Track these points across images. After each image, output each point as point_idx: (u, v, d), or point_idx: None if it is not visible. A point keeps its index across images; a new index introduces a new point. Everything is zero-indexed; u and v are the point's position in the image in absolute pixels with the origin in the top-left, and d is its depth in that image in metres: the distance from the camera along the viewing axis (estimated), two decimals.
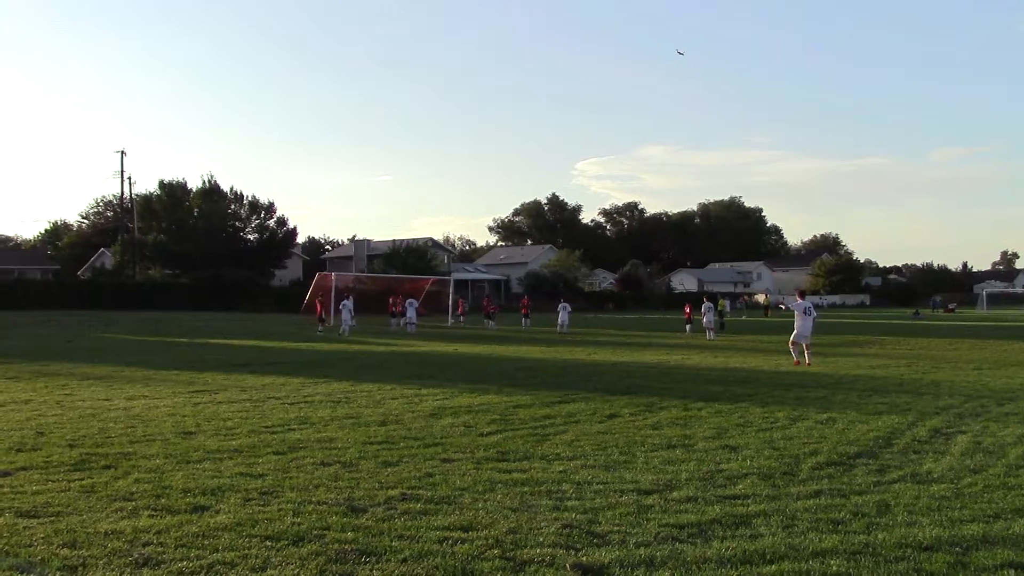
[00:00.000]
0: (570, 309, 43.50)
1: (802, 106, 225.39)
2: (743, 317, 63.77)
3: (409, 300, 43.53)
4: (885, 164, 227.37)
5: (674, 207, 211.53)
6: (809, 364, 21.62)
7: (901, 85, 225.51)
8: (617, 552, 5.99)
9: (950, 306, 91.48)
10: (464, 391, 15.60)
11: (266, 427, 11.32)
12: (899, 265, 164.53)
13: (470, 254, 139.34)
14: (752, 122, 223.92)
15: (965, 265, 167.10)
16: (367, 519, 6.73)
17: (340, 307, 40.10)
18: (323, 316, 40.75)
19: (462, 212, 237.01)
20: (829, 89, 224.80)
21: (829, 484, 8.13)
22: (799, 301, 23.11)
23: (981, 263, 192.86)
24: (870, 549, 6.10)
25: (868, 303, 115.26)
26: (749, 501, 7.45)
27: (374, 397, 14.71)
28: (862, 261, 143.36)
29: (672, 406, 13.70)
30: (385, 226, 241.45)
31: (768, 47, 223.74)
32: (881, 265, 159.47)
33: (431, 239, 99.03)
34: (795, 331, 22.70)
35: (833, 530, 6.57)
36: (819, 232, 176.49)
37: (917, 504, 7.38)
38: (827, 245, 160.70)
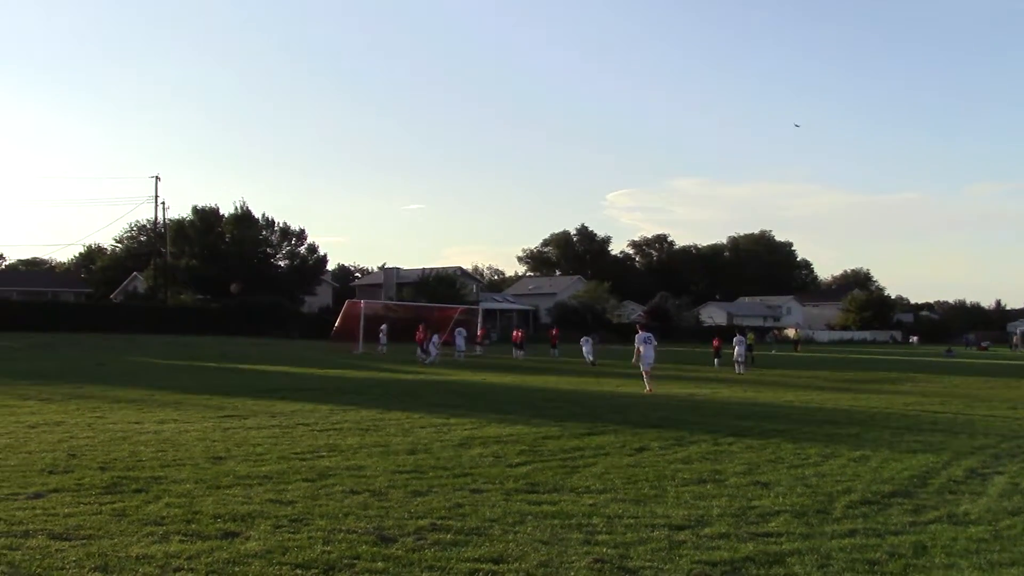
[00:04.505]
0: (592, 340, 43.80)
1: (834, 140, 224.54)
2: (772, 352, 63.26)
3: (458, 329, 45.03)
4: (918, 199, 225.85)
5: (704, 240, 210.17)
6: (650, 390, 23.48)
7: (934, 119, 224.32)
8: None
9: (983, 344, 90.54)
10: (493, 421, 15.56)
11: (296, 453, 11.33)
12: (931, 302, 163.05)
13: (499, 284, 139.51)
14: (784, 155, 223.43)
15: (999, 303, 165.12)
16: (397, 549, 6.70)
17: (456, 333, 43.35)
18: (425, 346, 41.34)
19: (492, 242, 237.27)
20: (861, 123, 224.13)
21: (864, 523, 8.01)
22: (640, 334, 25.21)
23: (1015, 300, 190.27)
24: None
25: (899, 339, 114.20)
26: (783, 539, 7.35)
27: (403, 425, 14.70)
28: (893, 297, 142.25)
29: (702, 440, 13.59)
30: (415, 255, 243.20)
31: (800, 80, 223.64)
32: (913, 301, 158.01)
33: (460, 268, 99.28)
34: (642, 361, 24.27)
35: (869, 571, 6.46)
36: (850, 267, 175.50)
37: (955, 546, 7.26)
38: (858, 280, 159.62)
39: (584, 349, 42.36)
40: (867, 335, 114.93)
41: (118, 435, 12.74)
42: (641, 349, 24.28)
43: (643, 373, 24.40)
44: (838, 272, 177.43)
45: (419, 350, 41.07)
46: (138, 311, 65.72)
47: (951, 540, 7.45)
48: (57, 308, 64.63)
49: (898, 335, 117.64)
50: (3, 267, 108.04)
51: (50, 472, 9.58)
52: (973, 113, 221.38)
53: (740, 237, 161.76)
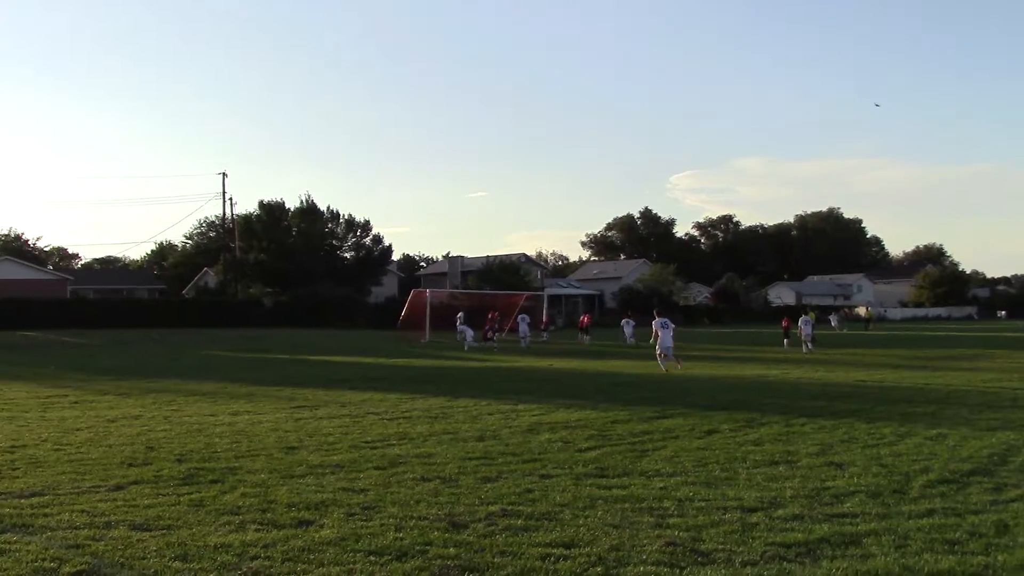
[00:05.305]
0: (634, 323, 44.60)
1: (902, 111, 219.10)
2: (844, 331, 62.17)
3: (522, 316, 45.22)
4: (992, 170, 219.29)
5: (770, 219, 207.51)
6: (680, 366, 24.77)
7: (1007, 86, 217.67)
8: (723, 571, 5.88)
9: None
10: (560, 406, 15.56)
11: (366, 442, 11.47)
12: (1007, 276, 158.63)
13: (563, 269, 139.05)
14: (849, 130, 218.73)
15: None
16: (468, 535, 6.75)
17: (520, 320, 44.05)
18: (487, 333, 41.96)
19: (555, 227, 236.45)
20: (932, 92, 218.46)
21: (942, 503, 7.85)
22: (657, 319, 26.07)
23: None
24: (990, 571, 5.86)
25: (976, 316, 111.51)
26: (858, 520, 7.24)
27: (471, 412, 14.78)
28: (968, 272, 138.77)
29: (773, 422, 13.43)
30: (479, 242, 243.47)
31: (864, 51, 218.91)
32: (989, 276, 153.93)
33: (524, 254, 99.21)
34: (658, 344, 25.32)
35: (949, 551, 6.33)
36: (922, 242, 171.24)
37: None
38: (931, 256, 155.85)
39: (625, 331, 43.63)
40: (942, 312, 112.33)
41: (194, 427, 13.02)
42: (659, 332, 25.32)
43: (657, 356, 25.44)
44: (910, 248, 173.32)
45: (484, 337, 41.30)
46: (209, 306, 66.83)
47: None
48: (131, 305, 66.11)
49: (974, 311, 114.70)
50: (79, 266, 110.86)
51: (130, 464, 9.83)
52: None
53: (807, 215, 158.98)
